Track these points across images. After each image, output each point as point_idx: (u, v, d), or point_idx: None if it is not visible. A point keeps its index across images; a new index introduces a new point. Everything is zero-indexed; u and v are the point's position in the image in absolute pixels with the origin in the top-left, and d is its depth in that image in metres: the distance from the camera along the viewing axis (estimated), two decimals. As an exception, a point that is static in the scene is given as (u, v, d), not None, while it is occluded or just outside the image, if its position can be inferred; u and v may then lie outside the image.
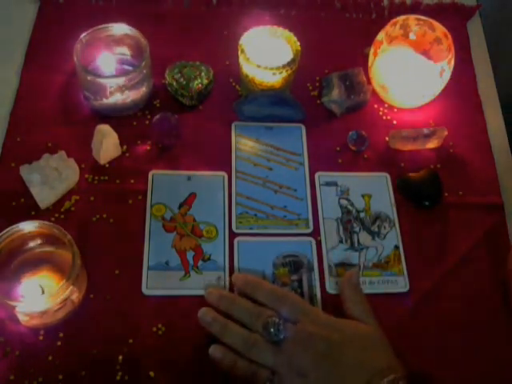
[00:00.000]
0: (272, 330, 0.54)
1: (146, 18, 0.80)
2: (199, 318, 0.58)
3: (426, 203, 0.69)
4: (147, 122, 0.72)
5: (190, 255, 0.63)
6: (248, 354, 0.55)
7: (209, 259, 0.63)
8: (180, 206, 0.66)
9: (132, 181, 0.68)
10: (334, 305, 0.61)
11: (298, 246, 0.65)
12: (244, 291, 0.60)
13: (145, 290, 0.61)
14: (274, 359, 0.54)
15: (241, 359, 0.55)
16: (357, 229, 0.67)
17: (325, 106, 0.75)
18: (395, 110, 0.77)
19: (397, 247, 0.66)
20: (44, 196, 0.64)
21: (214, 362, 0.56)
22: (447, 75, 0.72)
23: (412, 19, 0.75)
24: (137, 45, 0.71)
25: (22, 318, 0.55)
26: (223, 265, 0.63)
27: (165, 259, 0.63)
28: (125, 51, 0.73)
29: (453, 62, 0.72)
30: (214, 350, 0.56)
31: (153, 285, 0.61)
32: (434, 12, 0.84)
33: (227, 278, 0.62)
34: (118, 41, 0.72)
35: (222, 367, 0.55)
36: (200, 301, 0.60)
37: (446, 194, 0.70)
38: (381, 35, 0.73)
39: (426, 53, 0.76)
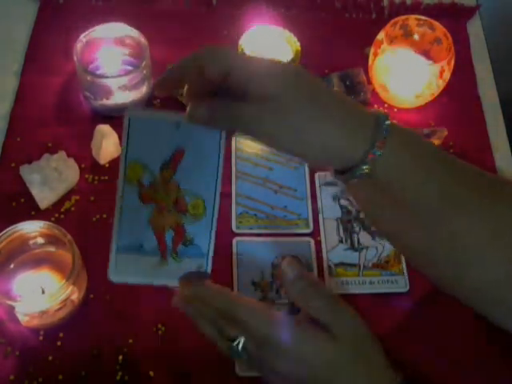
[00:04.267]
0: (234, 354, 0.48)
1: (146, 17, 0.80)
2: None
3: (426, 203, 0.69)
4: (147, 122, 0.72)
5: (169, 236, 0.51)
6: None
7: (191, 243, 0.51)
8: (162, 168, 0.49)
9: (132, 181, 0.67)
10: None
11: (297, 246, 0.65)
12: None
13: (113, 277, 0.51)
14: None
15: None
16: (357, 229, 0.67)
17: (325, 105, 0.75)
18: (395, 109, 0.77)
19: (397, 247, 0.66)
20: (44, 196, 0.64)
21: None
22: (447, 75, 0.72)
23: (412, 19, 0.75)
24: (137, 45, 0.71)
25: (21, 318, 0.55)
26: (207, 251, 0.51)
27: (139, 239, 0.51)
28: (125, 51, 0.73)
29: (453, 62, 0.72)
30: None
31: (122, 270, 0.51)
32: (434, 12, 0.84)
33: (209, 267, 0.51)
34: (118, 41, 0.72)
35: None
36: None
37: (446, 194, 0.70)
38: (381, 35, 0.73)
39: (426, 53, 0.76)
